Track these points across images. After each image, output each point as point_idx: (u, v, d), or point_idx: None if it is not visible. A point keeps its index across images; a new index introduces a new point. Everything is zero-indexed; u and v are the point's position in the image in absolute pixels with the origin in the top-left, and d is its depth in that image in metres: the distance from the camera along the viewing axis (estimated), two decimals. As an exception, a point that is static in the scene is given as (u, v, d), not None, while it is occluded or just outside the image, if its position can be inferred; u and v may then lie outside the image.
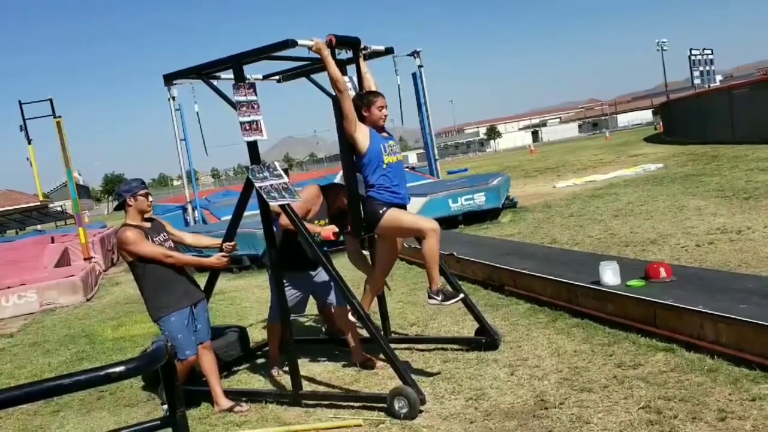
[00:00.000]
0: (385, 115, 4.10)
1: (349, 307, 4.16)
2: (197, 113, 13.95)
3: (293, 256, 4.52)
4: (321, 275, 4.69)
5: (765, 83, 20.92)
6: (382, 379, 4.35)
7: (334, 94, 4.02)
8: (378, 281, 4.48)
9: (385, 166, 3.98)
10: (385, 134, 4.10)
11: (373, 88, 4.33)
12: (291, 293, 4.52)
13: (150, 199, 4.17)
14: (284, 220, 4.25)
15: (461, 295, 4.09)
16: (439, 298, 4.00)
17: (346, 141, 4.03)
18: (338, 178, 5.01)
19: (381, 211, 3.97)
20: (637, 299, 4.39)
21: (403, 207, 4.10)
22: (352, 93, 4.25)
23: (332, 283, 4.61)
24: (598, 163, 22.57)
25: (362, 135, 3.97)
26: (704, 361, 3.69)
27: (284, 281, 4.35)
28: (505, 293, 5.97)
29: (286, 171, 5.26)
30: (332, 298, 4.72)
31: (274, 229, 5.05)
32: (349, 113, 3.94)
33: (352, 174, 4.11)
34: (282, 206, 4.06)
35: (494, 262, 6.42)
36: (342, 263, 5.04)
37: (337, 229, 4.48)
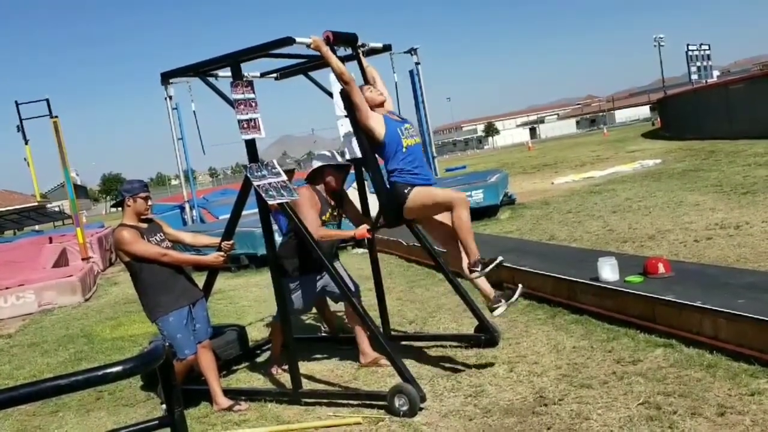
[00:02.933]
0: (380, 93, 4.05)
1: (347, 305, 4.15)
2: (194, 112, 13.96)
3: (306, 259, 4.43)
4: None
5: (762, 78, 20.95)
6: (381, 376, 4.34)
7: (332, 91, 3.99)
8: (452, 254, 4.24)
9: (404, 149, 3.91)
10: (397, 118, 4.04)
11: (377, 79, 4.29)
12: (301, 296, 4.47)
13: (149, 203, 4.15)
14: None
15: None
16: (479, 269, 3.88)
17: (363, 131, 3.96)
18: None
19: (405, 191, 3.88)
20: (635, 295, 4.39)
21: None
22: None
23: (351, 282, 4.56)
24: (596, 159, 22.58)
25: (376, 123, 3.90)
26: (703, 357, 3.69)
27: (297, 284, 4.36)
28: (503, 290, 5.95)
29: (291, 172, 5.23)
30: None
31: (282, 228, 5.00)
32: (360, 104, 3.88)
33: (375, 164, 4.02)
34: (290, 210, 3.99)
35: (493, 259, 6.41)
36: (348, 261, 5.01)
37: (369, 227, 4.40)
